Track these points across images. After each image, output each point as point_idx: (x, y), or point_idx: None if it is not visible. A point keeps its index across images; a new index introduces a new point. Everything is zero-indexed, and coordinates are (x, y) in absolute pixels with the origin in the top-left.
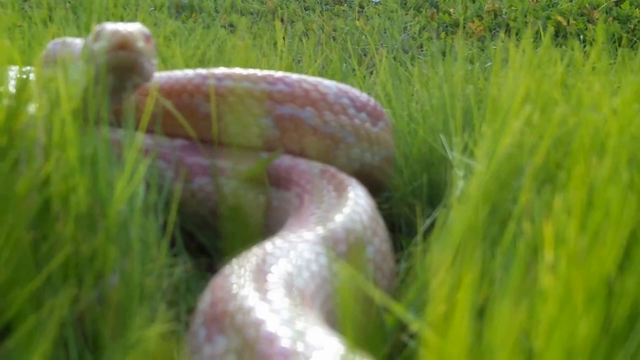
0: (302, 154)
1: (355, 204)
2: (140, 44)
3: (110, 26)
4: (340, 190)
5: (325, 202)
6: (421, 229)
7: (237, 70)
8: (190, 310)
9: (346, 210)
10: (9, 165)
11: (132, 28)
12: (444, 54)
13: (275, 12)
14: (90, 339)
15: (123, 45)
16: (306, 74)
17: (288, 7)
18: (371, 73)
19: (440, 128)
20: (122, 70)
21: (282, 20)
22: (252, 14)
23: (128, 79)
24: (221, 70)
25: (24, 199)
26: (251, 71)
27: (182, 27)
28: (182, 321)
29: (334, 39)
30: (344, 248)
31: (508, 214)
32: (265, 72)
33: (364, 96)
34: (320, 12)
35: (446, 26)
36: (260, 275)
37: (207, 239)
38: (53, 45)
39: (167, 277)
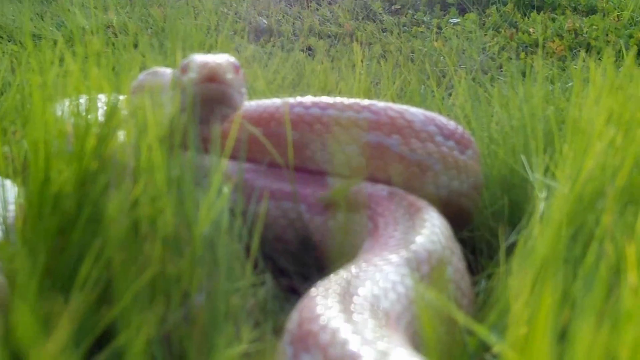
0: (387, 181)
1: (432, 225)
2: (229, 75)
3: (199, 58)
4: (414, 212)
5: (401, 224)
6: (502, 249)
7: (325, 99)
8: (276, 330)
9: (425, 231)
10: (99, 189)
11: (221, 60)
12: (523, 74)
13: (353, 35)
14: (177, 357)
15: (212, 77)
16: (384, 96)
17: (365, 30)
18: (450, 94)
19: (520, 149)
20: (211, 101)
21: (359, 43)
22: (329, 37)
23: (217, 109)
24: (309, 98)
25: (113, 221)
26: (338, 99)
27: (261, 52)
28: (267, 341)
29: (412, 60)
30: (427, 269)
31: (590, 236)
32: (352, 101)
33: (451, 124)
34: (398, 33)
35: (526, 46)
36: (346, 297)
37: (285, 261)
38: (144, 76)
39: (252, 297)
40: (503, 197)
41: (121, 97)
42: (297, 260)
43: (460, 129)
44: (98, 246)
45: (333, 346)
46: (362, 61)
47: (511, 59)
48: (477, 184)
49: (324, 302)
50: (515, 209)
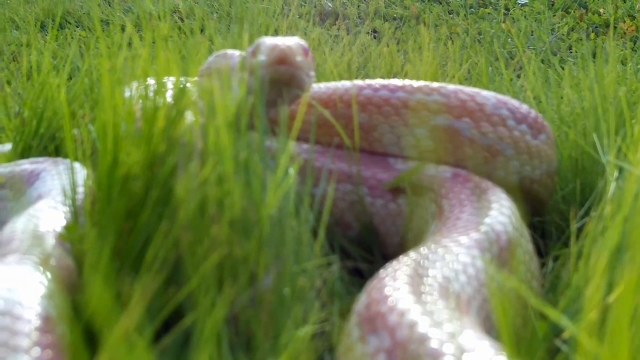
0: (456, 165)
1: (501, 206)
2: (299, 58)
3: (269, 40)
4: (480, 193)
5: (468, 205)
6: (573, 230)
7: (393, 81)
8: (343, 312)
9: (493, 212)
10: (168, 170)
11: (291, 42)
12: (594, 55)
13: (419, 17)
14: (244, 339)
15: (282, 60)
16: (452, 78)
17: (432, 11)
18: (519, 76)
19: (592, 131)
20: (280, 83)
21: (425, 25)
22: (395, 19)
23: (286, 92)
24: (377, 81)
25: (181, 203)
26: (407, 82)
27: (327, 34)
28: (334, 322)
29: (480, 42)
30: (497, 250)
31: None
32: (422, 83)
33: (524, 107)
34: (465, 15)
35: (596, 27)
36: (416, 278)
37: (348, 244)
38: (213, 58)
39: (319, 279)
40: (574, 179)
41: (189, 80)
42: (361, 244)
43: (533, 112)
44: (166, 228)
45: (401, 328)
46: (428, 43)
47: (581, 39)
48: (551, 170)
49: (392, 284)
50: (586, 192)
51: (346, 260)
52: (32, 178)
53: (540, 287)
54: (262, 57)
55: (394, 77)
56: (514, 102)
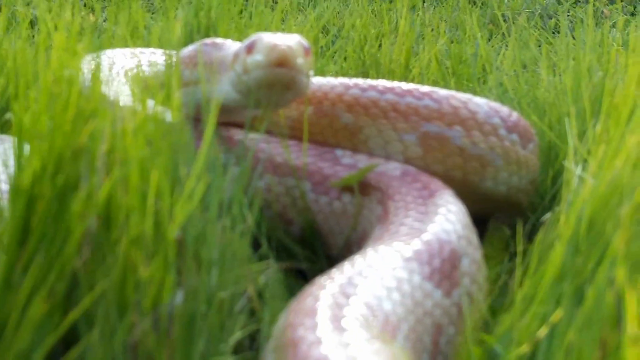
0: (445, 174)
1: (448, 212)
2: (300, 60)
3: (267, 38)
4: (427, 196)
5: (413, 209)
6: (520, 249)
7: (382, 82)
8: (276, 316)
9: (439, 219)
10: (68, 181)
11: (292, 41)
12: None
13: None
14: None
15: (281, 62)
16: (433, 42)
17: None
18: (506, 45)
19: (564, 118)
20: (277, 87)
21: None
22: None
23: (282, 95)
24: (366, 81)
25: (79, 217)
26: (396, 84)
27: None
28: (263, 331)
29: (474, 3)
30: (439, 263)
31: (604, 248)
32: (412, 86)
33: (514, 115)
34: None
35: None
36: (341, 299)
37: (290, 241)
38: (201, 45)
39: (251, 284)
40: (546, 169)
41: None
42: (303, 242)
43: (523, 120)
44: (59, 244)
45: None
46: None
47: (579, 2)
48: (535, 178)
49: (312, 305)
50: (558, 181)
51: (288, 259)
52: None
53: (485, 299)
54: (258, 57)
55: (365, 39)
56: (505, 110)
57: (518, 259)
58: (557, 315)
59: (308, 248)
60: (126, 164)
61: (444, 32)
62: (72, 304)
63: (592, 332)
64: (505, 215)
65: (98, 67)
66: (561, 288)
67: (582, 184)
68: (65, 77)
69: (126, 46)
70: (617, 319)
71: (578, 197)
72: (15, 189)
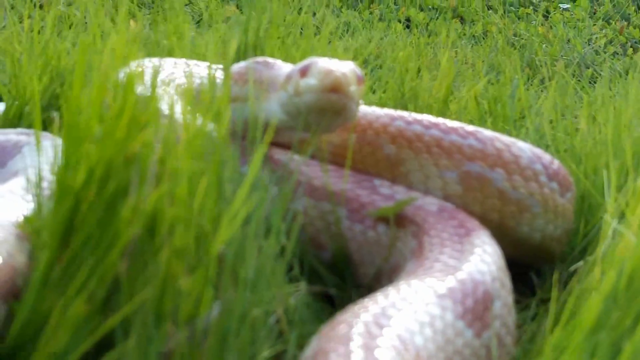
0: (482, 215)
1: (483, 252)
2: (353, 87)
3: (322, 63)
4: (463, 234)
5: (449, 247)
6: (555, 296)
7: (428, 117)
8: (304, 340)
9: (474, 258)
10: (118, 188)
11: (346, 69)
12: (627, 72)
13: (456, 9)
14: None
15: (335, 88)
16: (468, 91)
17: (470, 5)
18: (542, 90)
19: (601, 169)
20: (327, 112)
21: (461, 19)
22: (431, 9)
23: (331, 121)
24: (411, 114)
25: (127, 224)
26: (441, 120)
27: (358, 17)
28: (289, 352)
29: (513, 45)
30: (472, 303)
31: None
32: (457, 124)
33: (556, 163)
34: (503, 12)
35: (635, 42)
36: (374, 329)
37: (320, 266)
38: (252, 63)
39: (281, 305)
40: (579, 218)
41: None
42: (333, 269)
43: (563, 169)
44: (105, 248)
45: None
46: (460, 38)
47: (617, 54)
48: (570, 228)
49: (345, 333)
50: (590, 232)
51: (317, 283)
52: (14, 150)
53: (513, 344)
54: (312, 81)
55: (406, 72)
56: (547, 157)
57: (552, 307)
58: None
59: (338, 275)
60: (176, 175)
61: (481, 71)
62: (110, 310)
63: None
64: (535, 263)
65: (156, 74)
66: (596, 339)
67: (619, 238)
68: (120, 82)
69: (170, 56)
70: None
71: (617, 251)
72: (61, 188)
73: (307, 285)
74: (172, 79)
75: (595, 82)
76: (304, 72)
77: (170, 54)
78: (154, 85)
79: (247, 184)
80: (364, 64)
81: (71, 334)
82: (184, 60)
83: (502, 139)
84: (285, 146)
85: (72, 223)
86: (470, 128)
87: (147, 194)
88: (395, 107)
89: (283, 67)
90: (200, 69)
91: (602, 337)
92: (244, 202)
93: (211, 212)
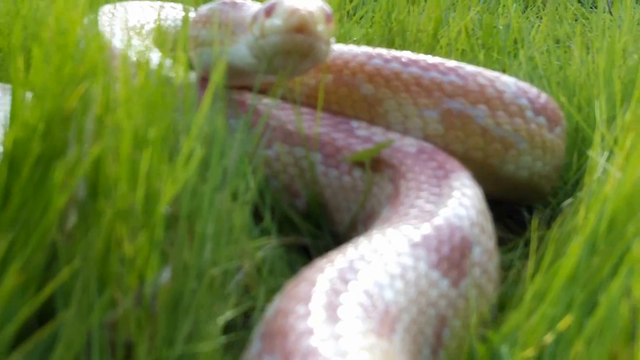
0: (464, 155)
1: (462, 195)
2: (320, 27)
3: (288, 2)
4: (442, 177)
5: (426, 190)
6: (534, 241)
7: (407, 54)
8: (270, 293)
9: (452, 202)
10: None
11: (313, 7)
12: None
13: None
14: (123, 349)
15: (301, 28)
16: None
17: None
18: (538, 15)
19: (593, 101)
20: (294, 53)
21: None
22: None
23: (299, 62)
24: (390, 51)
25: (61, 187)
26: (422, 56)
27: None
28: (258, 308)
29: None
30: (448, 250)
31: (622, 256)
32: (437, 60)
33: (543, 97)
34: None
35: None
36: (340, 285)
37: (295, 215)
38: (217, 4)
39: (248, 260)
40: (571, 152)
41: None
42: (309, 217)
43: (551, 102)
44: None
45: (296, 355)
46: None
47: None
48: (559, 165)
49: (307, 290)
50: (583, 164)
51: (291, 233)
52: None
53: (496, 290)
54: (277, 21)
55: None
56: (534, 90)
57: (532, 247)
58: (566, 322)
59: (313, 223)
60: (119, 129)
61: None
62: (50, 278)
63: (602, 345)
64: (524, 200)
65: (96, 20)
66: (573, 291)
67: (606, 176)
68: (64, 30)
69: None
70: (631, 334)
71: (600, 192)
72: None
73: (280, 236)
74: (143, 23)
75: (596, 7)
76: (269, 12)
77: None
78: (94, 29)
79: (195, 127)
80: None
81: (5, 304)
82: (159, 2)
83: (486, 74)
84: (261, 91)
85: (10, 188)
86: (452, 64)
87: (85, 153)
88: (381, 42)
89: (252, 8)
90: (177, 11)
91: (579, 289)
92: (193, 150)
93: (162, 165)
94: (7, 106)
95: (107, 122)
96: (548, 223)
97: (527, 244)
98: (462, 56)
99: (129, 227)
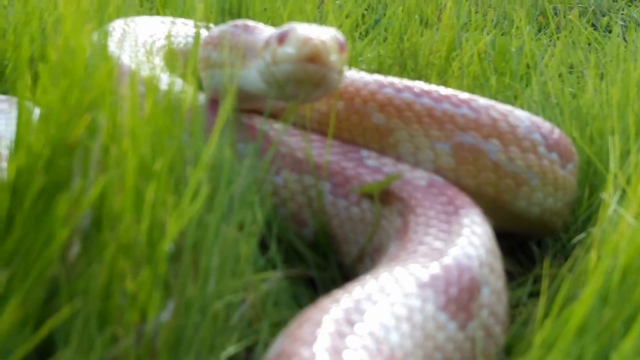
0: (476, 189)
1: (472, 234)
2: (333, 57)
3: (301, 30)
4: (452, 214)
5: (435, 227)
6: (545, 288)
7: (420, 84)
8: (277, 328)
9: (461, 241)
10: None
11: (326, 36)
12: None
13: None
14: None
15: (314, 58)
16: (476, 29)
17: None
18: (551, 39)
19: (606, 135)
20: (305, 83)
21: None
22: None
23: (311, 91)
24: (402, 81)
25: (64, 220)
26: (434, 87)
27: None
28: (261, 342)
29: None
30: (456, 292)
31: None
32: (450, 91)
33: (556, 132)
34: None
35: None
36: (345, 327)
37: (301, 245)
38: (229, 27)
39: (252, 292)
40: (583, 186)
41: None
42: (316, 247)
43: (564, 138)
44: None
45: None
46: None
47: (635, 0)
48: (571, 201)
49: (312, 332)
50: (594, 200)
51: (297, 264)
52: None
53: (503, 332)
54: (289, 49)
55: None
56: (547, 126)
57: (543, 287)
58: None
59: (320, 254)
60: (123, 160)
61: (491, 21)
62: (51, 312)
63: None
64: (534, 236)
65: (105, 37)
66: (584, 342)
67: (618, 217)
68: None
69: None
70: None
71: (613, 236)
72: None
73: (285, 267)
74: (154, 39)
75: (610, 32)
76: (281, 40)
77: (158, 12)
78: (104, 57)
79: (203, 160)
80: (363, 19)
81: (3, 340)
82: (170, 18)
83: (498, 108)
84: (271, 115)
85: (12, 216)
86: (464, 96)
87: (90, 184)
88: (393, 64)
89: (264, 32)
90: (188, 28)
91: (590, 342)
92: (199, 183)
93: (168, 196)
94: (14, 120)
95: (112, 152)
96: (555, 255)
97: (536, 280)
98: (474, 81)
99: (132, 261)
